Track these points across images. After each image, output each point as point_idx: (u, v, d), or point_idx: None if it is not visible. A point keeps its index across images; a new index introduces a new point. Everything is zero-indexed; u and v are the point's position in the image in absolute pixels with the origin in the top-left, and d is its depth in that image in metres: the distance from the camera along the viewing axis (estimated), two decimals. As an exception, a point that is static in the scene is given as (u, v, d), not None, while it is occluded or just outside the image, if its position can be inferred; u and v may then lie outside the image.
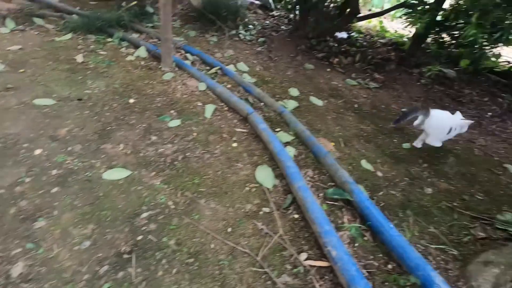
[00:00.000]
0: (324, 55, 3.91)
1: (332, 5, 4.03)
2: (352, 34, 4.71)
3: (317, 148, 2.04)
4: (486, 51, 3.39)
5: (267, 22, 4.89)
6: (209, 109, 2.44)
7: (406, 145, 2.37)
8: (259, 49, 3.91)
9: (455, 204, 1.85)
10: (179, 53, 3.30)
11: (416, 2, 3.21)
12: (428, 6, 3.16)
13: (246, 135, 2.23)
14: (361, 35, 4.92)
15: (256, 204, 1.67)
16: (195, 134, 2.15)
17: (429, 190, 1.92)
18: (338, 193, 1.68)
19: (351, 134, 2.41)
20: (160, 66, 2.96)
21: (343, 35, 4.65)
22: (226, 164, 1.92)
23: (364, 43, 4.32)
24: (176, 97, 2.55)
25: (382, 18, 5.49)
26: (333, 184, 1.83)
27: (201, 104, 2.51)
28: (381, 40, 4.60)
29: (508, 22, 2.67)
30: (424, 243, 1.54)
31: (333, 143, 2.23)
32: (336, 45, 4.16)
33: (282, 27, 4.72)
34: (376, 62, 3.79)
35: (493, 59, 4.13)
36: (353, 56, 3.84)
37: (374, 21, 5.60)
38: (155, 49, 3.09)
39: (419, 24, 3.17)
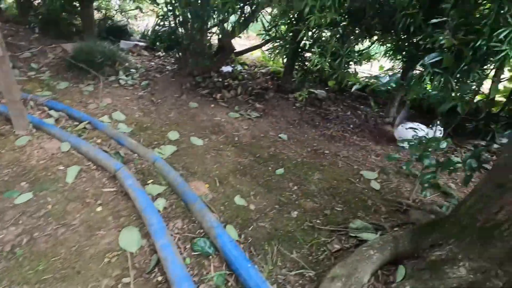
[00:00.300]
0: (208, 91, 4.04)
1: (208, 44, 4.25)
2: (236, 67, 5.03)
3: (187, 195, 2.02)
4: (344, 70, 4.02)
5: (152, 63, 4.87)
6: (72, 172, 2.21)
7: (279, 171, 2.56)
8: (141, 93, 3.81)
9: (317, 221, 2.04)
10: (40, 111, 2.96)
11: (274, 36, 3.62)
12: (285, 42, 3.60)
13: (115, 194, 2.08)
14: (246, 67, 5.31)
15: (115, 277, 1.53)
16: (49, 206, 1.91)
17: (295, 214, 2.08)
18: (200, 247, 1.67)
19: (228, 171, 2.48)
20: (14, 130, 2.59)
21: (228, 69, 4.93)
22: (85, 236, 1.74)
23: (246, 75, 4.65)
24: (30, 164, 2.25)
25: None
26: (202, 231, 1.81)
27: (62, 168, 2.26)
28: (262, 71, 5.03)
29: (343, 51, 3.22)
30: (285, 271, 1.62)
31: (207, 185, 2.25)
32: (220, 80, 4.37)
33: (168, 67, 4.75)
34: (256, 92, 4.10)
35: (354, 77, 4.92)
36: (236, 89, 4.08)
37: (258, 52, 6.12)
38: (5, 111, 2.71)
39: (283, 56, 3.57)
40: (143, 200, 1.90)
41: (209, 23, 4.17)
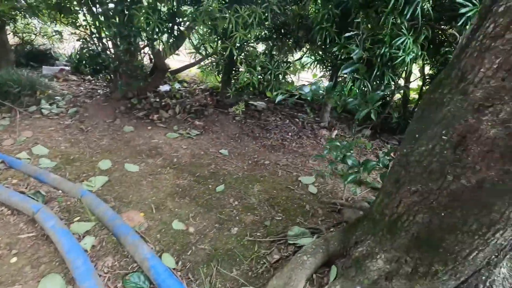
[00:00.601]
0: (145, 112, 3.91)
1: (140, 64, 4.12)
2: (174, 85, 4.95)
3: (119, 228, 1.90)
4: (275, 81, 4.19)
5: (81, 88, 4.56)
6: (-20, 221, 1.94)
7: (219, 188, 2.55)
8: (68, 121, 3.54)
9: (258, 234, 2.06)
10: None
11: (206, 54, 3.64)
12: (218, 58, 3.65)
13: (34, 240, 1.87)
14: (185, 84, 5.25)
15: (32, 336, 1.36)
16: (-51, 267, 1.64)
17: (235, 230, 2.08)
18: (134, 283, 1.58)
19: (165, 195, 2.40)
20: None
21: (166, 88, 4.83)
22: (-5, 294, 1.52)
23: (184, 93, 4.60)
24: None
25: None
26: (136, 265, 1.71)
27: (-33, 218, 1.97)
28: (201, 87, 5.03)
29: (271, 65, 3.37)
30: (225, 292, 1.60)
31: (142, 213, 2.15)
32: (157, 100, 4.25)
33: (99, 91, 4.49)
34: (196, 109, 4.07)
35: (291, 86, 5.17)
36: (174, 108, 4.00)
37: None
38: None
39: (215, 72, 3.61)
40: (67, 242, 1.73)
41: (139, 43, 4.07)
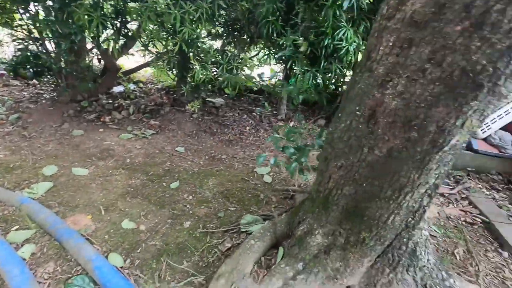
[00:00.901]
0: (96, 115, 3.74)
1: (89, 65, 3.93)
2: (129, 86, 4.79)
3: (61, 233, 1.82)
4: (229, 76, 4.22)
5: (25, 93, 4.26)
6: None
7: (174, 185, 2.52)
8: (9, 129, 3.29)
9: (211, 225, 2.08)
10: None
11: (159, 52, 3.58)
12: (169, 55, 3.60)
13: (-34, 254, 1.73)
14: (141, 85, 5.10)
15: None
16: None
17: (188, 224, 2.08)
18: (77, 286, 1.53)
19: (116, 196, 2.33)
20: None
21: (120, 89, 4.66)
22: None
23: (139, 93, 4.47)
24: None
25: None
26: (80, 268, 1.65)
27: None
28: (158, 86, 4.92)
29: (224, 60, 3.40)
30: (174, 284, 1.60)
31: (90, 216, 2.07)
32: (110, 101, 4.09)
33: (45, 95, 4.22)
34: (151, 109, 3.98)
35: (251, 82, 5.24)
36: (127, 109, 3.88)
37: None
38: None
39: (167, 69, 3.55)
40: (2, 252, 1.63)
41: (86, 43, 3.89)
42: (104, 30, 3.24)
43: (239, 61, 3.40)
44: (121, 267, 1.67)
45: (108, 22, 3.19)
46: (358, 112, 1.16)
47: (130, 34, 3.66)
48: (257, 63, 5.62)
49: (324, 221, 1.46)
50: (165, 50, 3.48)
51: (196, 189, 2.49)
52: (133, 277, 1.63)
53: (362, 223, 1.29)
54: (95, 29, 3.05)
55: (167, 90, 4.62)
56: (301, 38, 2.78)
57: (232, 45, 4.38)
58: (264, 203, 2.37)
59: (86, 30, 3.10)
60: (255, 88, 5.63)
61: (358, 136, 1.19)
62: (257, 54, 5.38)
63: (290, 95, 4.00)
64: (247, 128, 3.84)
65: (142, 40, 3.44)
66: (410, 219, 1.24)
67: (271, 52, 4.07)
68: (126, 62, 5.26)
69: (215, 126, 3.80)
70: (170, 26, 3.01)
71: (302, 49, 2.71)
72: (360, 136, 1.18)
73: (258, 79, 3.30)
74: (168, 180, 2.60)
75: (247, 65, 4.45)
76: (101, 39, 3.64)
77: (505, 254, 2.07)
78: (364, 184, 1.23)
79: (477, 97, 0.91)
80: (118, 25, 3.38)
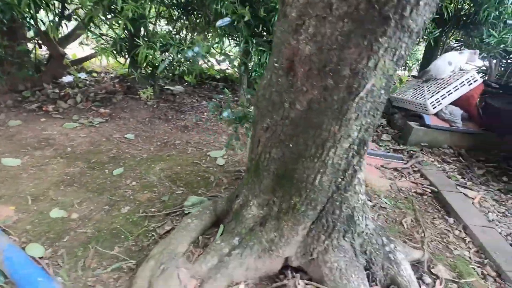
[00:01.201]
0: (38, 105, 3.44)
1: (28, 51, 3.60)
2: (79, 75, 4.47)
3: (-27, 225, 1.61)
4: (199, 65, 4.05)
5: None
6: None
7: (117, 171, 2.34)
8: None
9: (152, 209, 1.93)
10: None
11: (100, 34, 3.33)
12: (116, 38, 3.36)
13: None
14: (95, 74, 4.79)
15: None
16: None
17: (126, 209, 1.92)
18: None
19: (49, 185, 2.12)
20: None
21: (69, 78, 4.34)
22: None
23: (89, 82, 4.19)
24: None
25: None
26: (-9, 261, 1.46)
27: None
28: (111, 75, 4.64)
29: (174, 41, 3.22)
30: (100, 271, 1.45)
31: (13, 207, 1.86)
32: (56, 91, 3.79)
33: (-19, 86, 3.84)
34: (102, 97, 3.72)
35: (212, 70, 5.13)
36: (74, 98, 3.60)
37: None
38: None
39: (111, 52, 3.31)
40: None
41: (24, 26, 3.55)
42: (39, 10, 2.95)
43: (192, 41, 3.23)
44: (40, 258, 1.49)
45: (43, 0, 2.91)
46: (276, 64, 1.07)
47: (71, 15, 3.39)
48: (219, 50, 5.47)
49: (258, 191, 1.36)
50: (109, 30, 3.24)
51: (142, 175, 2.32)
52: (53, 267, 1.46)
53: (292, 187, 1.21)
54: (26, 7, 2.77)
55: (121, 78, 4.36)
56: (240, 6, 2.65)
57: (187, 28, 4.19)
58: (214, 185, 2.26)
59: (15, 8, 2.80)
60: (218, 76, 5.49)
61: (278, 91, 1.10)
62: (217, 42, 5.22)
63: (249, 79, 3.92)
64: (205, 114, 3.70)
65: (84, 21, 3.18)
66: (339, 179, 1.18)
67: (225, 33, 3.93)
68: (80, 52, 4.92)
69: (171, 113, 3.62)
70: (111, 4, 2.80)
71: (246, 18, 2.61)
72: (281, 90, 1.09)
73: (216, 64, 3.17)
74: (111, 167, 2.42)
75: (209, 53, 4.29)
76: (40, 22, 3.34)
77: (451, 220, 2.09)
78: (291, 145, 1.15)
79: (386, 32, 0.84)
80: (56, 3, 3.10)
